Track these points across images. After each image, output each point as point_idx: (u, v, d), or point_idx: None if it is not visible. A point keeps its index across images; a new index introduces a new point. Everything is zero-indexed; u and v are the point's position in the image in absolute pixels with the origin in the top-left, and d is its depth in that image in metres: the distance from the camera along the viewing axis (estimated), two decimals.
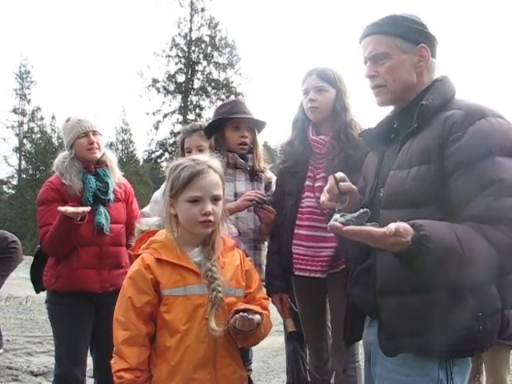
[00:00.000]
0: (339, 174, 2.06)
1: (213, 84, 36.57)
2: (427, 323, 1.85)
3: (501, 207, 1.74)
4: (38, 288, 3.73)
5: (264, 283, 3.14)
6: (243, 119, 3.40)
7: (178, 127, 34.77)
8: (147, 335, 2.21)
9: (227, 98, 35.00)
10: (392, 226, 1.61)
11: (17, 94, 39.95)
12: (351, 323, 2.26)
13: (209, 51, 36.59)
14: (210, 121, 3.59)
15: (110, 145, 39.34)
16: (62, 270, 3.48)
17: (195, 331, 2.19)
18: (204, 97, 36.56)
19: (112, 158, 3.77)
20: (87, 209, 3.30)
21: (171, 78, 36.41)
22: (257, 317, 2.18)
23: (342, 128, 2.97)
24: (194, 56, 36.62)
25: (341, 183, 2.02)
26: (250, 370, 3.64)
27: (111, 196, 3.62)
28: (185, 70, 36.58)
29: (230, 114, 3.39)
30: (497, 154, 1.80)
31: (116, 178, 3.73)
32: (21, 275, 9.12)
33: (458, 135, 1.85)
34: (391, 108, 2.21)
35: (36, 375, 5.23)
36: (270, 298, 2.81)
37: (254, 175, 3.42)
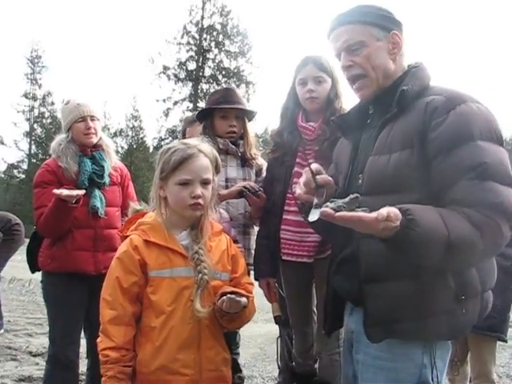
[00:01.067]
0: (315, 166, 2.04)
1: (223, 72, 36.66)
2: (412, 308, 1.87)
3: (484, 191, 1.75)
4: (34, 269, 3.78)
5: (252, 267, 3.21)
6: (232, 109, 3.44)
7: (189, 115, 34.88)
8: (133, 315, 2.24)
9: (238, 86, 35.03)
10: (384, 211, 1.62)
11: (28, 78, 40.37)
12: (332, 311, 2.27)
13: (220, 39, 36.66)
14: (200, 109, 3.66)
15: (120, 131, 39.56)
16: (56, 252, 3.52)
17: (180, 312, 2.22)
18: (215, 85, 36.58)
19: (109, 143, 3.80)
20: (81, 192, 3.33)
21: (182, 65, 36.50)
22: (243, 299, 2.21)
23: (332, 114, 2.99)
24: (205, 44, 36.70)
25: (317, 176, 1.99)
26: (238, 354, 3.70)
27: (107, 179, 3.65)
28: (196, 58, 36.68)
29: (219, 104, 3.44)
30: (478, 139, 1.81)
31: (112, 161, 3.75)
32: (25, 258, 9.21)
33: (440, 120, 1.86)
34: None
35: (34, 355, 5.34)
36: (256, 283, 2.86)
37: (245, 161, 3.46)
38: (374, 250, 1.88)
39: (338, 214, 1.63)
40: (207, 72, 36.88)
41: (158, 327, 2.22)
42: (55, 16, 68.91)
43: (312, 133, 3.07)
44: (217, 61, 37.19)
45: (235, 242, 2.98)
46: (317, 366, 3.15)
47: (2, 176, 40.87)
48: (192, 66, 36.71)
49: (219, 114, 3.43)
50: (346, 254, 2.11)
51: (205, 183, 2.28)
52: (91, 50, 68.09)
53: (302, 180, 2.07)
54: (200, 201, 2.25)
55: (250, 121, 3.55)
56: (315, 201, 1.97)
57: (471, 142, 1.81)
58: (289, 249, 3.05)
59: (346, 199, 1.67)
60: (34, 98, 40.30)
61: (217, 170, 2.43)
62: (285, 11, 71.76)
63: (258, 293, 3.04)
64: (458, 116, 1.85)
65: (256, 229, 3.39)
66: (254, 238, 3.37)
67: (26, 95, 40.20)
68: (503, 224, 1.75)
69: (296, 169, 3.08)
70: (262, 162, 3.52)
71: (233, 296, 2.18)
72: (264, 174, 3.43)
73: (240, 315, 2.27)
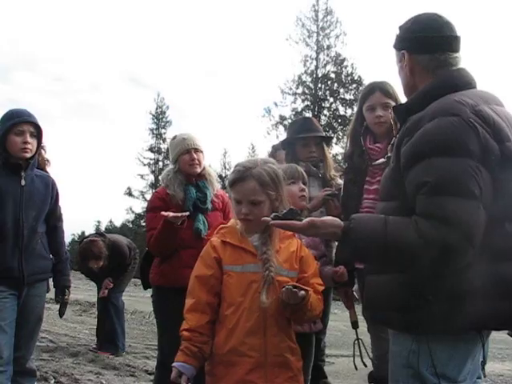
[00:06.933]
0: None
1: (339, 120, 36.89)
2: (381, 300, 2.12)
3: (432, 205, 1.90)
4: (146, 285, 4.26)
5: None
6: (311, 137, 3.85)
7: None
8: (208, 304, 2.62)
9: None
10: (307, 220, 2.04)
11: (153, 133, 42.71)
12: None
13: (335, 88, 37.11)
14: (283, 139, 4.14)
15: None
16: (165, 269, 3.95)
17: (248, 302, 2.57)
18: (331, 133, 36.89)
19: (211, 173, 4.25)
20: (186, 213, 3.76)
21: (298, 115, 36.98)
22: (301, 292, 2.49)
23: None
24: (320, 93, 37.28)
25: None
26: (323, 361, 3.97)
27: (209, 205, 4.07)
28: (311, 107, 37.23)
29: (299, 133, 3.88)
30: (432, 155, 1.94)
31: (214, 189, 4.17)
32: (147, 295, 9.94)
33: (407, 139, 2.05)
34: None
35: (150, 374, 5.77)
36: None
37: (325, 182, 3.81)
38: None
39: (272, 221, 2.12)
40: (323, 120, 37.26)
41: (230, 315, 2.59)
42: (177, 72, 72.91)
43: (378, 153, 3.37)
44: (332, 109, 37.65)
45: (324, 256, 3.31)
46: None
47: (131, 226, 42.92)
48: (308, 115, 37.25)
49: (300, 143, 3.84)
50: None
51: (253, 203, 2.63)
52: (209, 103, 71.13)
53: None
54: (248, 217, 2.63)
55: (327, 146, 3.91)
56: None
57: (424, 160, 1.95)
58: None
59: (285, 211, 2.15)
60: (159, 152, 42.46)
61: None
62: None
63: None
64: (420, 136, 2.00)
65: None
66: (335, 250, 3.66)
67: (151, 149, 42.47)
68: (450, 235, 1.85)
69: (366, 186, 3.39)
70: (341, 183, 3.85)
71: (289, 287, 2.48)
72: (342, 193, 3.72)
73: (301, 307, 2.54)
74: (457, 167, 1.91)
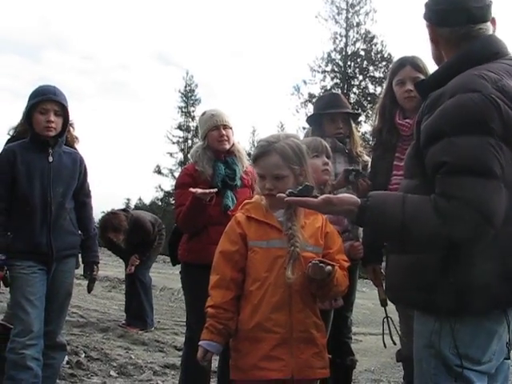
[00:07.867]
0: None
1: (369, 98, 36.52)
2: (403, 280, 2.07)
3: (452, 185, 1.82)
4: (174, 261, 4.27)
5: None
6: (338, 113, 3.80)
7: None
8: (232, 280, 2.61)
9: None
10: (323, 197, 1.98)
11: (182, 111, 42.70)
12: None
13: (364, 65, 36.71)
14: (310, 114, 4.08)
15: None
16: (193, 245, 3.93)
17: (274, 278, 2.55)
18: (360, 111, 36.54)
19: (240, 149, 4.20)
20: (214, 190, 3.73)
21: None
22: (328, 267, 2.47)
23: None
24: (349, 71, 36.92)
25: None
26: (350, 339, 3.99)
27: (238, 182, 4.03)
28: (341, 85, 36.90)
29: (326, 109, 3.81)
30: (451, 134, 1.85)
31: (244, 166, 4.13)
32: (176, 272, 10.01)
33: (427, 116, 1.96)
34: None
35: (179, 349, 5.85)
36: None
37: (352, 158, 3.79)
38: None
39: (287, 198, 2.07)
40: (352, 98, 36.92)
41: (255, 291, 2.57)
42: (206, 50, 72.80)
43: (408, 129, 3.28)
44: (362, 87, 37.28)
45: (347, 231, 3.26)
46: None
47: (160, 204, 43.13)
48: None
49: (327, 119, 3.78)
50: None
51: (276, 177, 2.60)
52: (238, 82, 70.89)
53: None
54: (273, 192, 2.57)
55: (355, 122, 3.86)
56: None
57: (443, 138, 1.87)
58: None
59: (300, 187, 2.11)
60: (188, 130, 42.50)
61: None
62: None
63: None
64: (440, 113, 1.91)
65: None
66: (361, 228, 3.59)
67: (180, 127, 42.50)
68: (470, 216, 1.78)
69: (395, 162, 3.32)
70: (368, 159, 3.81)
71: (316, 261, 2.46)
72: (369, 169, 3.68)
73: (327, 283, 2.52)
74: (477, 146, 1.82)
